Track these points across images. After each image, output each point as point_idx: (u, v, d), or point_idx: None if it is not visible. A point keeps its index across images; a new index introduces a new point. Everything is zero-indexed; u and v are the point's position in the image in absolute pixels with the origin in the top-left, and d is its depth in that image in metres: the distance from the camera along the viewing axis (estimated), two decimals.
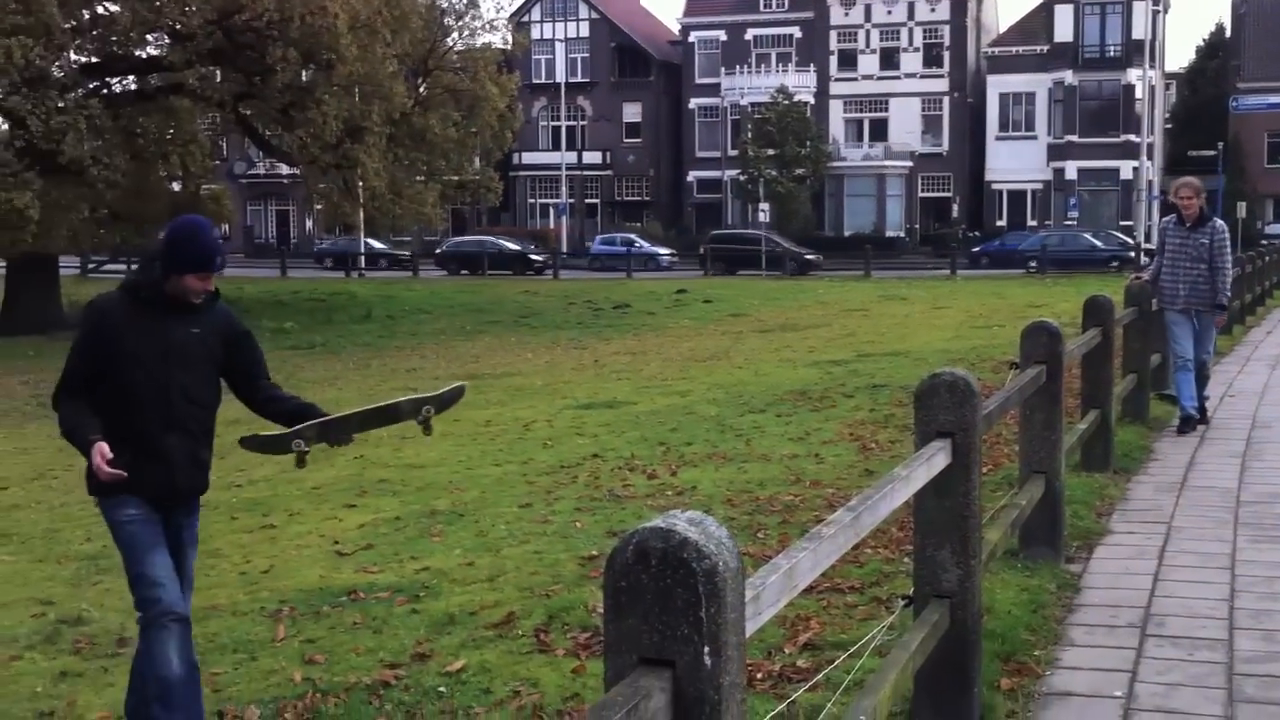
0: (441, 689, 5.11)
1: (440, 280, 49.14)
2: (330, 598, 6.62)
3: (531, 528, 7.97)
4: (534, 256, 56.22)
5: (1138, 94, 58.61)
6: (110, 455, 4.50)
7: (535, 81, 69.12)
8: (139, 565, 4.65)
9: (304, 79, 32.54)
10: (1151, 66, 59.18)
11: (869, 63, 66.00)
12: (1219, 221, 10.67)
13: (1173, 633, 5.55)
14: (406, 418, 5.29)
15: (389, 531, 8.25)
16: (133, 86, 33.94)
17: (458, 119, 35.72)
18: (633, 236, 59.79)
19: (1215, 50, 70.04)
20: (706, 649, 2.28)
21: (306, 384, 19.53)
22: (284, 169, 53.67)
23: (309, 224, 71.78)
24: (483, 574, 6.87)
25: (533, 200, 71.41)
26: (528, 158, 69.30)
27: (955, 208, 65.25)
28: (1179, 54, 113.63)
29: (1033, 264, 47.77)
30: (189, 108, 32.49)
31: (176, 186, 35.51)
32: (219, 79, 32.76)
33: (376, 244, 60.36)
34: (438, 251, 57.76)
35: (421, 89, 36.52)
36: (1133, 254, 46.21)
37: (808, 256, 52.59)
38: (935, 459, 4.31)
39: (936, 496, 4.48)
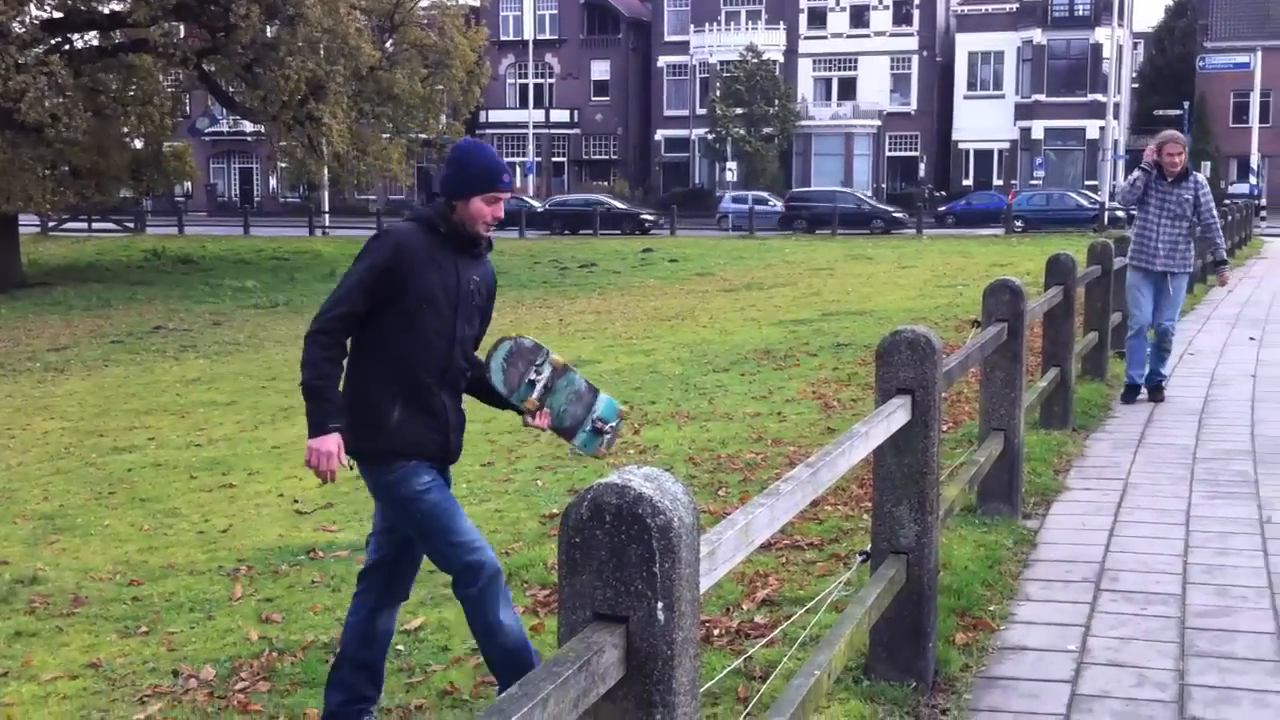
0: (399, 647, 5.10)
1: None
2: (289, 556, 6.60)
3: (493, 486, 7.96)
4: (645, 216, 53.54)
5: (1106, 53, 58.77)
6: (344, 459, 4.04)
7: (503, 38, 68.61)
8: (455, 533, 4.11)
9: (268, 35, 32.14)
10: (1120, 25, 59.29)
11: (838, 21, 65.80)
12: (1200, 175, 10.09)
13: (1127, 588, 5.60)
14: (591, 428, 4.56)
15: (349, 490, 8.20)
16: (95, 43, 33.43)
17: (425, 74, 35.39)
18: (765, 195, 55.60)
19: (1183, 9, 70.21)
20: (660, 604, 2.28)
21: (270, 343, 19.42)
22: (247, 126, 53.25)
23: (273, 182, 71.16)
24: None
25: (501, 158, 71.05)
26: (495, 115, 68.82)
27: (923, 167, 65.31)
28: (1147, 13, 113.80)
29: (1018, 223, 47.95)
30: (151, 64, 32.04)
31: (139, 143, 35.10)
32: (182, 35, 32.32)
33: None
34: (540, 210, 54.53)
35: (389, 44, 36.13)
36: (1120, 213, 46.43)
37: (895, 214, 50.91)
38: (895, 416, 4.33)
39: (896, 453, 4.50)
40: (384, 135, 35.69)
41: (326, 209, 57.95)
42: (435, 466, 4.21)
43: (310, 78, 30.80)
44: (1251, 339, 14.19)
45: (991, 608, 5.36)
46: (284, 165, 38.55)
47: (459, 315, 4.18)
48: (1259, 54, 53.78)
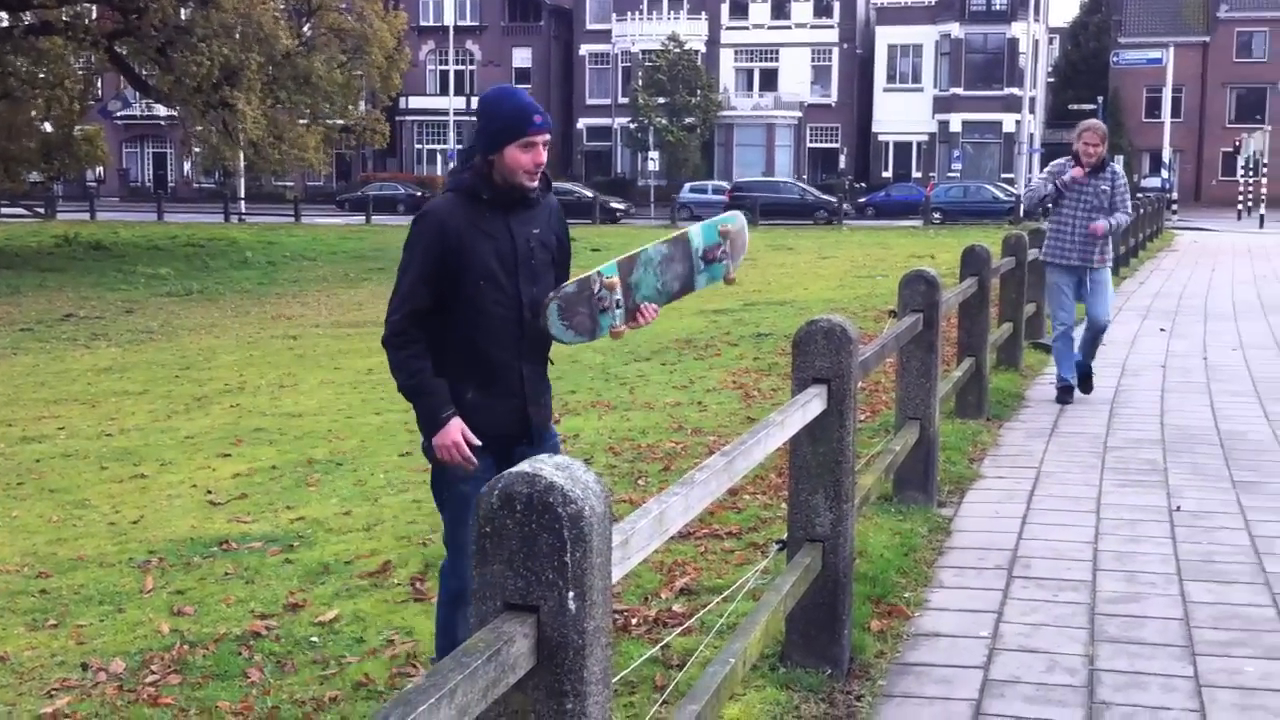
0: (314, 639, 5.04)
1: (323, 226, 48.32)
2: (201, 548, 6.49)
3: (411, 476, 7.89)
4: (615, 205, 53.39)
5: (1022, 48, 59.60)
6: (473, 439, 3.85)
7: (423, 24, 68.07)
8: (467, 540, 3.87)
9: (181, 18, 31.61)
10: (1036, 20, 60.15)
11: (760, 12, 66.08)
12: (1117, 166, 9.81)
13: (1039, 574, 5.68)
14: (705, 265, 4.31)
15: (264, 481, 8.11)
16: (4, 24, 32.66)
17: (343, 60, 35.01)
18: (724, 185, 55.18)
19: (1098, 6, 71.37)
20: (571, 594, 2.26)
21: (184, 331, 19.12)
22: (161, 110, 52.29)
23: (187, 167, 70.03)
24: (359, 523, 6.79)
25: (420, 145, 70.51)
26: (415, 102, 68.29)
27: (843, 158, 65.84)
28: (1063, 8, 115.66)
29: (937, 215, 48.48)
30: (62, 47, 31.36)
31: (49, 127, 34.37)
32: (94, 16, 31.69)
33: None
34: None
35: (306, 29, 35.70)
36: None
37: (846, 206, 51.03)
38: (811, 405, 4.34)
39: (811, 442, 4.51)
40: (301, 122, 35.25)
41: (242, 195, 57.19)
42: (507, 442, 3.98)
43: (224, 62, 30.35)
44: (1162, 330, 14.47)
45: (906, 595, 5.41)
46: (198, 151, 37.95)
47: (522, 279, 3.94)
48: (1171, 50, 54.80)
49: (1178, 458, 7.99)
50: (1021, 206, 48.03)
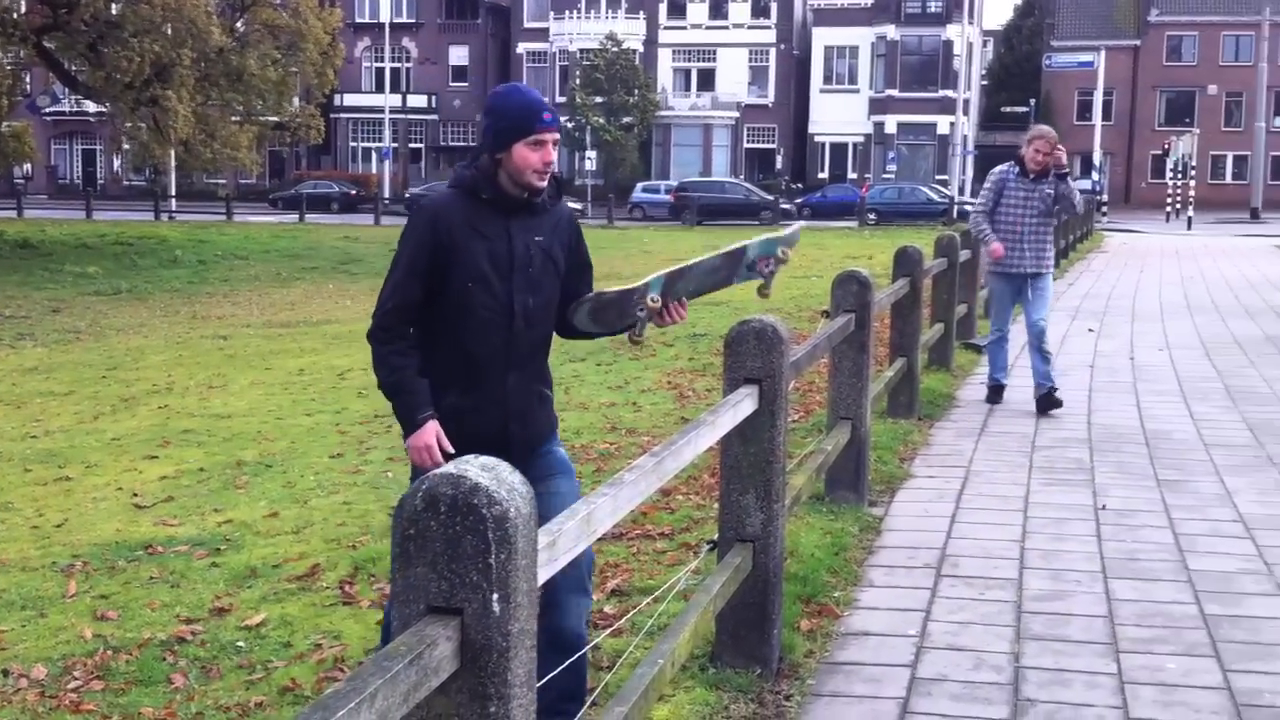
0: (240, 643, 4.99)
1: (255, 225, 47.82)
2: (126, 552, 6.40)
3: (342, 478, 7.83)
4: (573, 206, 52.70)
5: (956, 50, 60.24)
6: (447, 446, 3.70)
7: (359, 21, 67.60)
8: None
9: (113, 13, 31.15)
10: (970, 23, 60.80)
11: (698, 12, 66.26)
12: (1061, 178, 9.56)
13: (967, 573, 5.74)
14: (747, 271, 4.10)
15: (191, 484, 8.01)
16: None
17: (277, 57, 34.64)
18: (672, 184, 54.68)
19: (1031, 9, 72.27)
20: (496, 596, 2.25)
21: (112, 331, 18.84)
22: (90, 106, 51.46)
23: (116, 164, 69.04)
24: (288, 526, 6.72)
25: (354, 143, 69.99)
26: (350, 99, 67.77)
27: (779, 159, 66.16)
28: (997, 12, 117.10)
29: (872, 216, 48.84)
30: None
31: None
32: (23, 10, 31.14)
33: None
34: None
35: (239, 25, 35.30)
36: (969, 208, 47.61)
37: (784, 205, 50.88)
38: (742, 405, 4.36)
39: (742, 442, 4.53)
40: (234, 119, 34.85)
41: (173, 193, 56.47)
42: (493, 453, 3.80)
43: (155, 58, 29.93)
44: (1090, 331, 14.67)
45: (836, 594, 5.44)
46: (128, 148, 37.40)
47: (516, 285, 3.76)
48: (1102, 54, 55.62)
49: (1104, 457, 8.11)
50: (966, 201, 48.60)
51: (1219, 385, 10.92)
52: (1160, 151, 57.57)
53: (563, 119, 64.04)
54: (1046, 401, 9.51)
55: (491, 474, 2.29)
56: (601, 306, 3.90)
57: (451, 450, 3.69)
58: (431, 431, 3.72)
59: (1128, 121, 66.79)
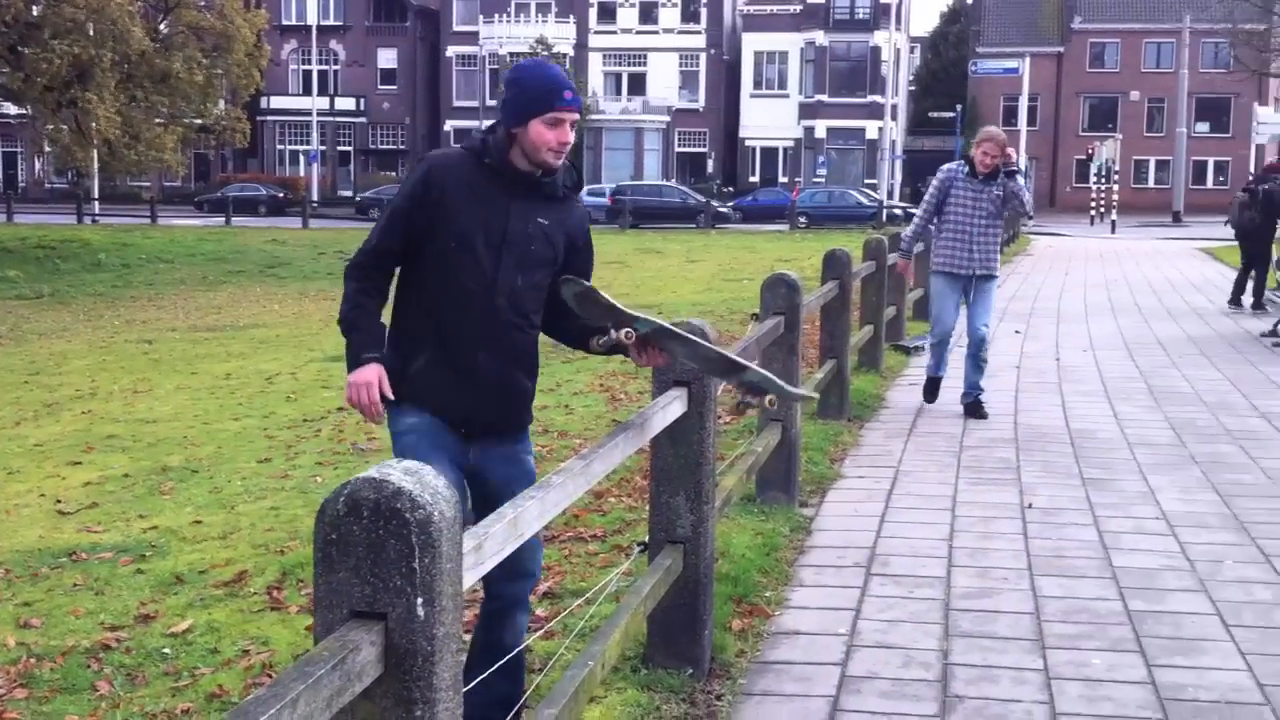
0: (166, 650, 4.91)
1: (180, 228, 47.19)
2: (49, 559, 6.28)
3: (269, 483, 7.74)
4: None
5: (884, 56, 60.78)
6: (387, 391, 3.58)
7: (285, 23, 66.93)
8: None
9: (33, 14, 30.60)
10: (898, 29, 61.36)
11: (628, 16, 66.32)
12: (1009, 182, 9.26)
13: (896, 571, 5.78)
14: (738, 387, 4.13)
15: (116, 489, 7.88)
16: None
17: (202, 59, 34.19)
18: (610, 186, 53.87)
19: (957, 16, 73.10)
20: (420, 600, 2.23)
21: (33, 335, 18.51)
22: (11, 108, 50.48)
23: (38, 167, 67.81)
24: (215, 532, 6.64)
25: (282, 146, 69.22)
26: (277, 102, 67.07)
27: (711, 163, 66.39)
28: (924, 18, 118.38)
29: (802, 219, 49.12)
30: None
31: None
32: None
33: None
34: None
35: (163, 26, 34.81)
36: (898, 211, 48.23)
37: (720, 209, 50.93)
38: (671, 407, 4.35)
39: (672, 444, 4.53)
40: (158, 121, 34.36)
41: (96, 196, 55.51)
42: (460, 432, 3.68)
43: (75, 60, 29.44)
44: (1017, 332, 14.85)
45: (768, 594, 5.46)
46: (49, 150, 36.73)
47: (505, 262, 3.64)
48: (1027, 60, 56.37)
49: (1030, 456, 8.21)
50: (895, 205, 49.16)
51: (1142, 385, 11.10)
52: (1084, 156, 58.39)
53: (492, 123, 63.91)
54: (973, 409, 9.46)
55: (415, 478, 2.27)
56: (591, 299, 3.76)
57: (391, 397, 3.61)
58: (375, 373, 3.60)
59: (1052, 127, 67.75)
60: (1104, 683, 4.50)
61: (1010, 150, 9.31)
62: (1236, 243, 18.34)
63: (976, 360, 9.46)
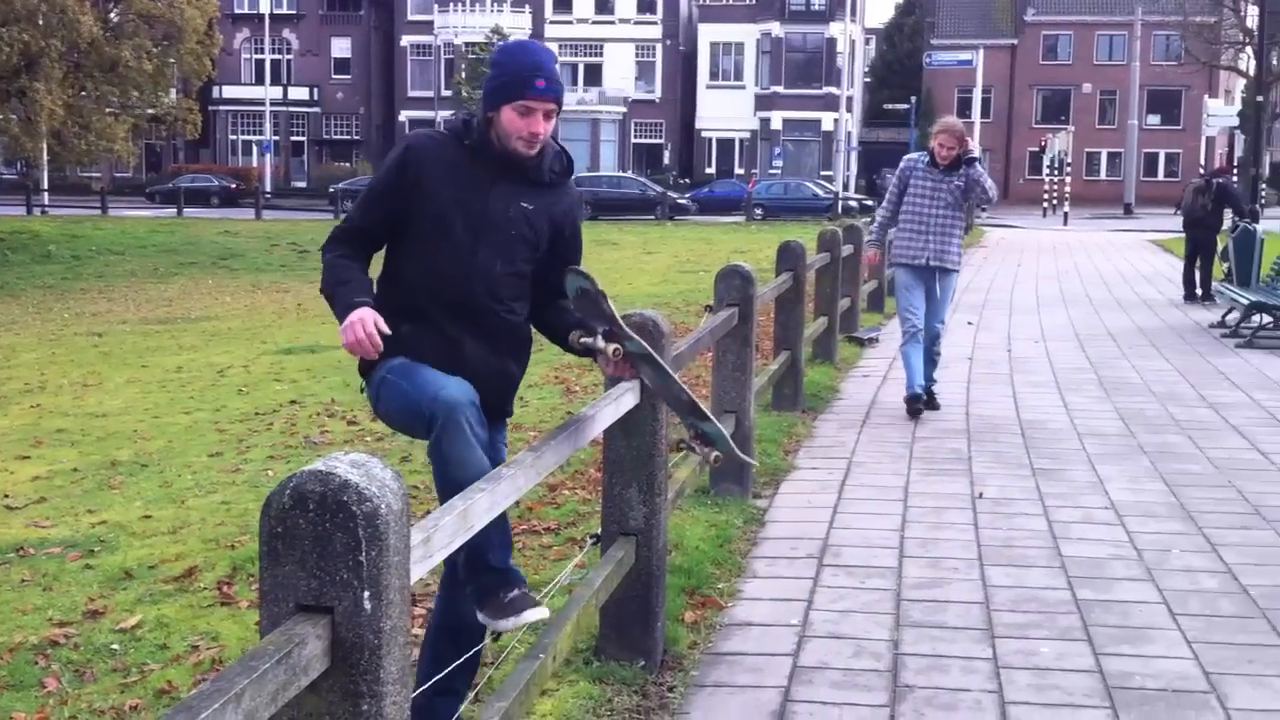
0: (115, 646, 4.87)
1: (131, 219, 46.72)
2: None
3: (220, 477, 7.68)
4: None
5: (839, 47, 61.00)
6: (382, 326, 3.37)
7: (238, 12, 66.32)
8: (420, 390, 3.44)
9: None
10: (853, 21, 61.60)
11: (584, 6, 66.19)
12: (972, 172, 9.05)
13: (848, 562, 5.82)
14: (690, 429, 4.19)
15: (65, 484, 7.80)
16: None
17: (151, 48, 33.82)
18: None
19: (912, 7, 73.44)
20: (367, 594, 2.22)
21: None
22: None
23: None
24: (165, 526, 6.58)
25: (234, 136, 68.60)
26: (229, 91, 66.45)
27: (667, 154, 66.40)
28: (879, 10, 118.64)
29: (759, 211, 49.23)
30: None
31: None
32: None
33: None
34: None
35: (113, 15, 34.41)
36: (853, 203, 48.53)
37: (680, 201, 50.98)
38: (623, 399, 4.35)
39: (624, 436, 4.53)
40: (109, 110, 33.97)
41: (45, 186, 54.80)
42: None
43: (25, 49, 29.05)
44: (969, 324, 14.96)
45: (720, 586, 5.47)
46: None
47: (482, 243, 3.55)
48: (981, 52, 56.70)
49: (981, 447, 8.28)
50: (850, 196, 49.38)
51: (1092, 376, 11.21)
52: (1037, 148, 58.83)
53: (449, 112, 63.58)
54: (913, 403, 9.14)
55: (362, 470, 2.26)
56: (592, 301, 3.72)
57: (389, 333, 3.42)
58: (370, 315, 3.39)
59: (1006, 119, 68.22)
60: (1052, 671, 4.55)
61: (967, 139, 9.19)
62: (1184, 232, 18.55)
63: (930, 354, 9.34)
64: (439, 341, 3.57)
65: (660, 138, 66.75)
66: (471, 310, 3.58)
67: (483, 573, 3.55)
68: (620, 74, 65.96)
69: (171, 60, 35.23)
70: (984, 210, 49.05)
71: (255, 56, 67.72)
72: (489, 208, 3.56)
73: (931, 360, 9.42)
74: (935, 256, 9.07)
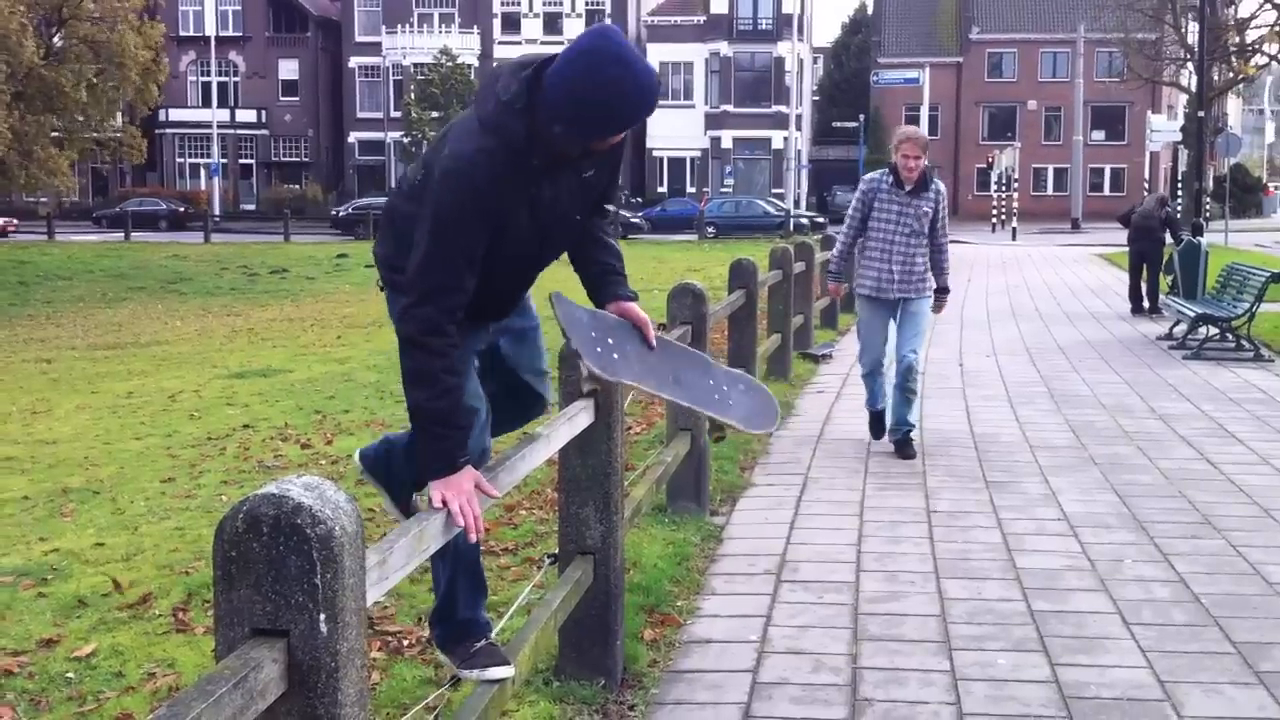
0: (70, 675, 4.80)
1: (79, 244, 46.25)
2: None
3: (173, 503, 7.61)
4: None
5: (788, 66, 61.39)
6: (492, 491, 3.21)
7: (183, 34, 65.91)
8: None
9: None
10: (800, 40, 62.04)
11: (532, 27, 66.31)
12: (940, 184, 8.36)
13: (805, 578, 5.83)
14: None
15: (15, 512, 7.69)
16: None
17: (92, 77, 33.51)
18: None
19: (858, 27, 74.13)
20: (323, 616, 2.21)
21: None
22: None
23: None
24: (118, 553, 6.49)
25: (181, 159, 68.09)
26: (176, 114, 65.99)
27: (620, 173, 66.55)
28: (826, 29, 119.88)
29: (710, 229, 49.37)
30: None
31: None
32: None
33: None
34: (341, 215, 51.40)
35: (56, 40, 34.12)
36: (805, 221, 48.82)
37: (632, 219, 51.11)
38: (578, 418, 4.35)
39: (580, 455, 4.53)
40: (54, 134, 33.64)
41: None
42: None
43: None
44: None
45: (679, 603, 5.47)
46: None
47: (546, 245, 3.41)
48: (927, 70, 57.31)
49: (935, 461, 8.33)
50: (802, 214, 49.66)
51: (1043, 389, 11.32)
52: (984, 165, 59.47)
53: (398, 134, 63.43)
54: (902, 448, 8.40)
55: (315, 493, 2.25)
56: (587, 328, 3.69)
57: (497, 495, 3.27)
58: (472, 477, 3.13)
59: (953, 136, 68.86)
60: (1009, 682, 4.58)
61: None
62: (1129, 245, 18.73)
63: (904, 390, 8.33)
64: (477, 325, 3.45)
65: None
66: (526, 285, 3.58)
67: (451, 622, 3.62)
68: None
69: (114, 84, 34.94)
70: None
71: (202, 79, 67.31)
72: (558, 200, 3.31)
73: (907, 400, 8.38)
74: (900, 289, 8.24)
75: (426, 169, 3.27)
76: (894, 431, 8.53)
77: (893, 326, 8.49)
